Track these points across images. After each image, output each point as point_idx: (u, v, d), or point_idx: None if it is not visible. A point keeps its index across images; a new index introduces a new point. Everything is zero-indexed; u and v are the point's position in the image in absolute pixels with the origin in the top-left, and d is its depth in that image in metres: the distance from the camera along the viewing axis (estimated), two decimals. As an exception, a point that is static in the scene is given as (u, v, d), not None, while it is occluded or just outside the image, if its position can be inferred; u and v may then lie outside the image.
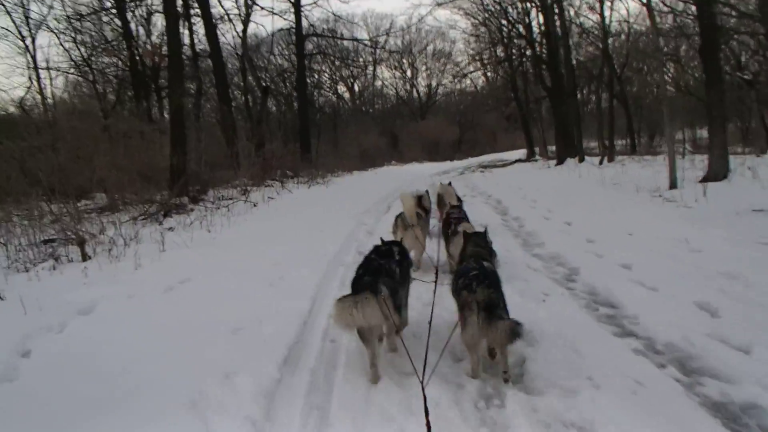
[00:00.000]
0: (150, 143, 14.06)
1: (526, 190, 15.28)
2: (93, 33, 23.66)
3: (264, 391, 3.86)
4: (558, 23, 22.70)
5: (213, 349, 4.49)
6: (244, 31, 20.97)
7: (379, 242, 5.07)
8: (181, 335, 4.81)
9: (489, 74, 55.08)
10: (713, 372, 4.09)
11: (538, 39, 29.16)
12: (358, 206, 12.84)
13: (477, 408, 3.73)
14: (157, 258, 7.76)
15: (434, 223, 9.23)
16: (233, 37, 23.08)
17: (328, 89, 48.71)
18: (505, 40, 34.58)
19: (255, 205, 13.08)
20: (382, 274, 4.25)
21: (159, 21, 27.01)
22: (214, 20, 20.17)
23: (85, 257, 7.82)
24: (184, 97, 15.99)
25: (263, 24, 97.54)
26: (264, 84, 21.16)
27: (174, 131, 13.57)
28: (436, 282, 5.17)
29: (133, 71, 23.52)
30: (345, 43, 43.05)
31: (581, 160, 22.66)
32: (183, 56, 23.14)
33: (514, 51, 35.79)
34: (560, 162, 21.87)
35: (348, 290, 4.28)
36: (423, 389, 3.38)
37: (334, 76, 51.35)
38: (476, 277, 4.18)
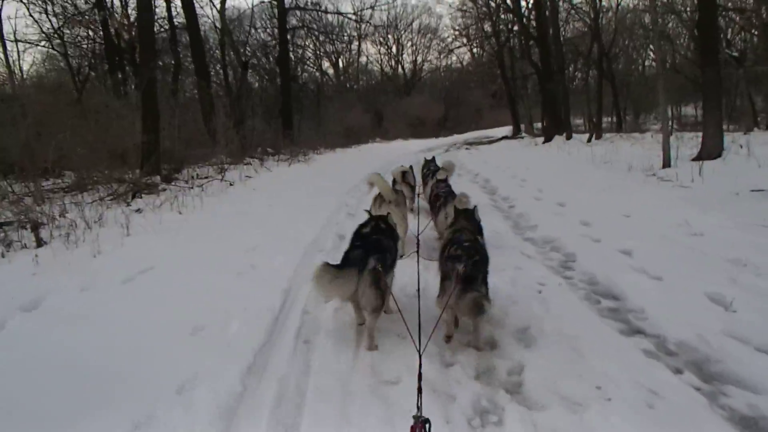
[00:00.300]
0: (121, 119, 13.23)
1: (515, 168, 14.74)
2: (65, 3, 22.51)
3: (223, 409, 3.31)
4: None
5: (168, 355, 3.93)
6: (222, 2, 20.01)
7: (365, 217, 5.11)
8: (133, 337, 4.22)
9: (475, 51, 54.76)
10: (737, 378, 3.61)
11: (526, 13, 28.39)
12: (339, 186, 12.24)
13: (471, 426, 3.21)
14: (120, 244, 7.12)
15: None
16: (212, 10, 22.11)
17: (312, 65, 47.73)
18: (493, 16, 33.83)
19: (231, 185, 12.41)
20: (374, 251, 4.21)
21: (134, -8, 25.95)
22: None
23: (39, 243, 7.14)
24: (156, 71, 15.10)
25: None
26: (244, 59, 20.30)
27: (146, 106, 12.78)
28: (418, 253, 5.29)
29: (107, 43, 22.48)
30: (329, 17, 42.24)
31: (569, 137, 22.17)
32: (159, 28, 22.26)
33: (501, 26, 35.09)
34: (548, 139, 21.36)
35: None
36: (420, 356, 3.32)
37: (318, 52, 50.29)
38: (466, 249, 4.24)
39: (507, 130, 44.46)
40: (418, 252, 5.31)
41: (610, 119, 35.13)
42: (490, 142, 33.91)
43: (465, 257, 4.09)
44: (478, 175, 14.40)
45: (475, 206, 5.52)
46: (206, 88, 18.35)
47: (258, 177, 13.69)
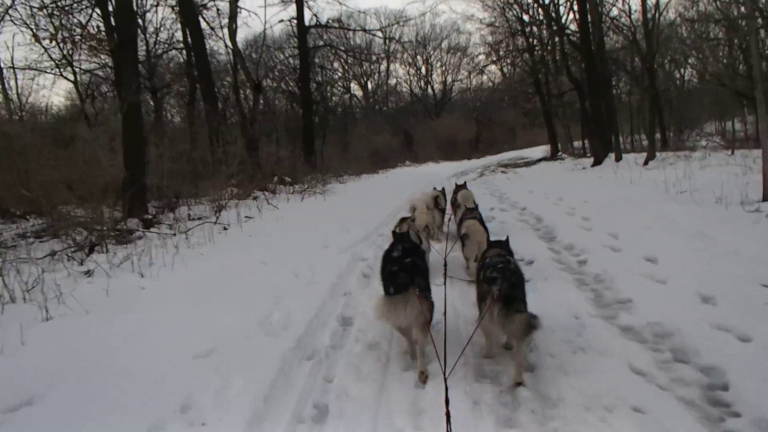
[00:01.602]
0: (93, 150, 11.06)
1: (569, 199, 12.07)
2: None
3: None
4: (588, 6, 19.36)
5: None
6: (231, 18, 17.94)
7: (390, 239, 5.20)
8: None
9: (505, 69, 52.17)
10: None
11: (567, 24, 25.76)
12: (355, 230, 9.77)
13: None
14: (18, 343, 4.75)
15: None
16: (223, 29, 20.16)
17: (341, 87, 45.87)
18: (527, 29, 31.30)
19: (226, 229, 10.10)
20: (417, 272, 4.29)
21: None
22: (196, 6, 17.19)
23: None
24: (140, 94, 12.95)
25: (258, 13, 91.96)
26: (256, 80, 18.24)
27: (127, 135, 10.63)
28: (445, 274, 5.25)
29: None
30: (356, 39, 40.36)
31: (618, 158, 19.40)
32: (167, 48, 20.30)
33: (535, 41, 32.52)
34: (597, 162, 18.61)
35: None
36: (445, 380, 3.27)
37: (347, 75, 48.50)
38: (501, 270, 4.20)
39: (543, 150, 41.59)
40: (445, 276, 5.22)
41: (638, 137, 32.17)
42: (527, 164, 31.19)
43: (500, 279, 4.06)
44: (526, 210, 11.77)
45: (507, 237, 5.36)
46: (213, 114, 16.22)
47: (260, 217, 11.32)
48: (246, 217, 11.05)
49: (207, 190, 13.40)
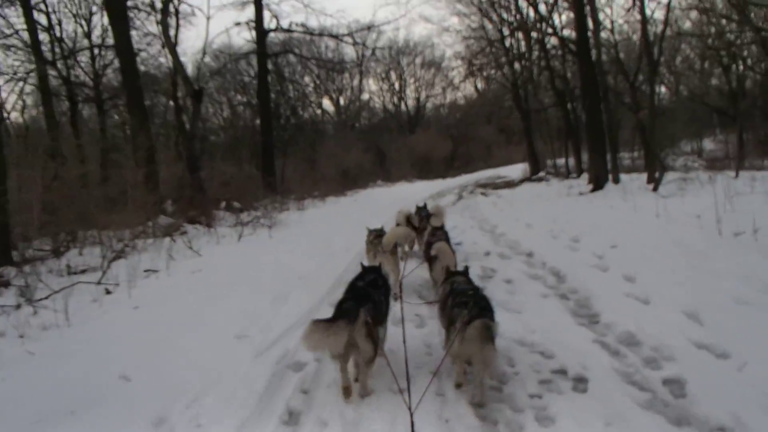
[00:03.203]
0: None
1: (588, 242, 8.93)
2: None
3: None
4: (588, 10, 16.49)
5: None
6: (164, 10, 14.59)
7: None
8: None
9: (481, 84, 49.64)
10: None
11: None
12: (294, 298, 6.57)
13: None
14: None
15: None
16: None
17: (312, 102, 42.66)
18: (508, 40, 28.61)
19: (109, 292, 6.80)
20: (366, 302, 4.12)
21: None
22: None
23: None
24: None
25: (202, 8, 79.13)
26: (197, 87, 14.93)
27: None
28: (401, 298, 5.23)
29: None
30: (329, 53, 37.27)
31: (616, 180, 16.53)
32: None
33: (517, 52, 29.80)
34: (598, 186, 15.64)
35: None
36: (411, 414, 3.22)
37: (318, 90, 45.34)
38: (472, 296, 4.17)
39: (521, 168, 38.81)
40: (401, 300, 5.16)
41: (631, 155, 29.53)
42: (508, 184, 28.30)
43: (472, 303, 4.00)
44: (534, 258, 8.59)
45: (466, 267, 5.34)
46: (139, 127, 12.86)
47: (169, 270, 7.95)
48: (147, 270, 7.70)
49: (119, 222, 10.02)
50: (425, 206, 9.67)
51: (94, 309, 6.14)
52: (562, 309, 5.97)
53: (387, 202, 17.15)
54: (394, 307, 4.95)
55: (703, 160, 28.61)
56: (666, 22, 17.42)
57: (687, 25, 31.28)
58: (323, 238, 10.57)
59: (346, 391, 3.91)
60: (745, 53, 30.32)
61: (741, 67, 32.65)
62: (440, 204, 9.16)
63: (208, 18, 16.75)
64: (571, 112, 25.94)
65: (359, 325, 3.83)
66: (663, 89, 38.85)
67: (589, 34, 16.64)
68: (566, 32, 22.00)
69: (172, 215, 13.75)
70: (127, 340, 5.17)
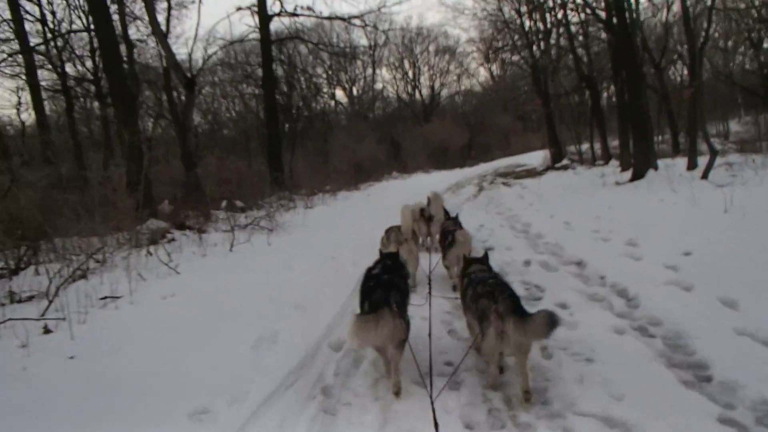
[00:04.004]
0: None
1: (650, 246, 7.15)
2: None
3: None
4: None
5: None
6: (148, -8, 12.98)
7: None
8: None
9: (496, 70, 47.66)
10: None
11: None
12: (284, 338, 4.97)
13: None
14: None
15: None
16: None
17: (325, 93, 41.03)
18: (528, 20, 26.64)
19: (48, 332, 5.19)
20: (392, 289, 4.10)
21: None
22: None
23: None
24: None
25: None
26: (189, 75, 13.31)
27: None
28: (430, 292, 5.13)
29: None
30: (340, 43, 35.52)
31: (654, 167, 14.62)
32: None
33: (536, 34, 27.81)
34: (638, 175, 13.76)
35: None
36: (432, 403, 3.18)
37: (331, 81, 43.66)
38: (497, 285, 4.01)
39: (540, 156, 36.84)
40: (430, 293, 5.11)
41: (658, 138, 27.29)
42: (530, 173, 26.41)
43: (497, 292, 3.85)
44: (585, 267, 6.87)
45: (486, 252, 5.28)
46: (125, 119, 11.24)
47: (137, 293, 6.32)
48: (105, 297, 6.09)
49: (89, 231, 8.44)
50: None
51: (15, 360, 4.55)
52: (648, 354, 4.25)
53: (403, 197, 15.33)
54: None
55: (732, 143, 26.54)
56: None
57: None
58: (329, 247, 8.89)
59: (397, 387, 3.84)
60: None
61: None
62: (435, 192, 9.03)
63: (199, 1, 15.07)
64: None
65: (396, 312, 3.83)
66: (684, 70, 36.76)
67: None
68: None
69: (168, 217, 12.22)
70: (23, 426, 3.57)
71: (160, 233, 9.88)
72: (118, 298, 6.09)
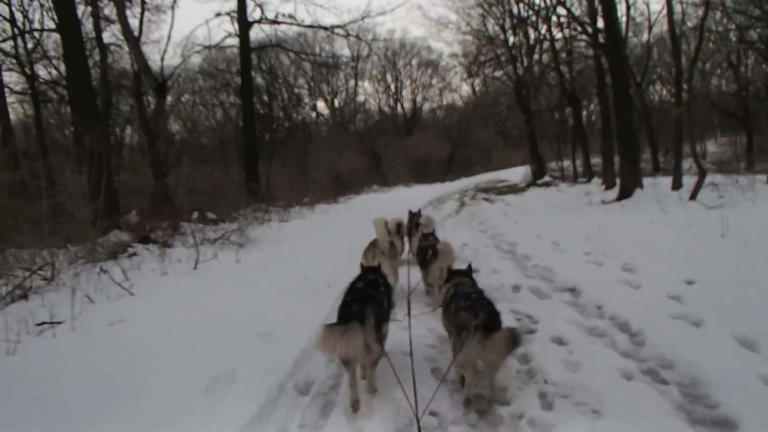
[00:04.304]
0: None
1: (649, 272, 6.59)
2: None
3: None
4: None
5: None
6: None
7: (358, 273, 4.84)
8: None
9: (477, 87, 47.60)
10: None
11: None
12: (243, 382, 4.23)
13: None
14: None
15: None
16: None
17: (306, 104, 40.48)
18: (512, 36, 26.40)
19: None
20: (370, 302, 4.05)
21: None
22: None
23: None
24: None
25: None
26: (160, 80, 12.56)
27: None
28: (409, 311, 5.06)
29: None
30: (321, 49, 35.03)
31: (640, 186, 14.17)
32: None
33: (518, 50, 27.56)
34: (625, 194, 13.32)
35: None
36: (418, 420, 3.17)
37: (313, 92, 43.12)
38: (479, 300, 4.07)
39: (521, 172, 36.58)
40: (409, 313, 5.00)
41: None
42: (512, 190, 26.01)
43: (479, 306, 3.89)
44: (580, 295, 6.27)
45: (470, 265, 5.17)
46: (88, 124, 10.46)
47: (83, 317, 5.51)
48: (43, 323, 5.33)
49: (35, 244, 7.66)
50: (419, 212, 8.89)
51: None
52: (665, 406, 3.64)
53: (383, 211, 14.69)
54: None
55: (710, 163, 26.49)
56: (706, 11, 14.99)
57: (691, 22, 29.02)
58: (302, 265, 8.20)
59: (355, 406, 3.79)
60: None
61: (750, 66, 30.81)
62: (430, 215, 8.63)
63: (173, 5, 14.34)
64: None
65: (369, 326, 3.81)
66: (663, 90, 36.91)
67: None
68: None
69: (135, 229, 11.42)
70: None
71: (120, 247, 9.10)
72: (58, 323, 5.33)
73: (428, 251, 6.55)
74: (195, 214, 13.97)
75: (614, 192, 15.01)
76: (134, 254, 8.90)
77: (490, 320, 3.75)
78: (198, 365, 4.39)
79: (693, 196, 12.22)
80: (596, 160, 24.74)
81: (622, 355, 4.56)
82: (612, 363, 4.35)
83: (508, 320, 5.55)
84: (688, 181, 14.03)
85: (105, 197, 10.60)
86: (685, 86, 14.98)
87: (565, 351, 4.66)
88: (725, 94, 34.28)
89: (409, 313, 4.99)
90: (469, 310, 3.86)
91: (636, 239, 8.57)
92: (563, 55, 23.62)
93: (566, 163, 28.80)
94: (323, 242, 10.28)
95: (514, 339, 3.58)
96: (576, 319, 5.49)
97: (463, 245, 10.28)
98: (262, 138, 25.51)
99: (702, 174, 12.57)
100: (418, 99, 50.87)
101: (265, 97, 31.80)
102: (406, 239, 7.97)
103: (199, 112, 37.16)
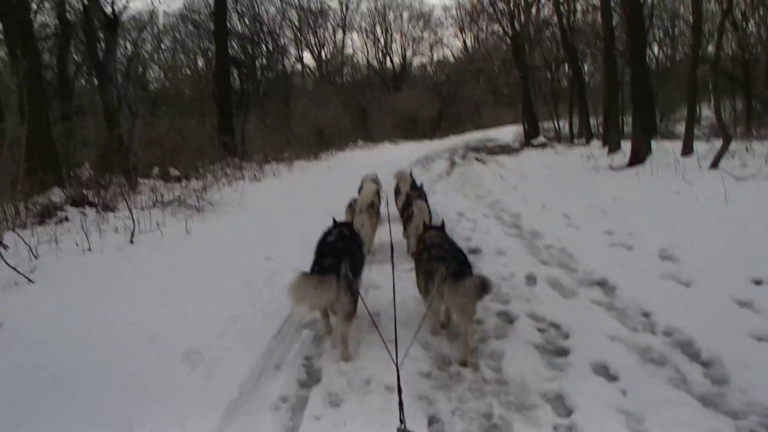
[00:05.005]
0: None
1: (698, 264, 5.13)
2: None
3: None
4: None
5: None
6: None
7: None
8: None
9: (470, 42, 45.45)
10: None
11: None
12: None
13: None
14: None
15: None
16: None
17: (290, 55, 38.14)
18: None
19: None
20: (344, 255, 3.96)
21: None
22: None
23: None
24: None
25: None
26: (110, 12, 10.64)
27: None
28: (392, 260, 4.80)
29: None
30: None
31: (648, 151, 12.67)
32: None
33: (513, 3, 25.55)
34: (638, 159, 11.80)
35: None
36: (397, 368, 2.88)
37: (299, 43, 40.66)
38: (448, 250, 4.05)
39: (512, 131, 35.00)
40: (392, 257, 4.88)
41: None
42: (505, 150, 24.46)
43: (450, 257, 3.89)
44: (615, 292, 4.82)
45: (443, 221, 5.07)
46: (13, 62, 8.66)
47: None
48: None
49: None
50: (411, 174, 8.36)
51: None
52: None
53: (368, 170, 12.89)
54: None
55: (705, 128, 25.05)
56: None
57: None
58: (266, 240, 6.66)
59: (332, 337, 3.94)
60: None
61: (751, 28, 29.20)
62: (404, 170, 8.62)
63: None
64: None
65: (342, 280, 3.69)
66: (659, 52, 35.22)
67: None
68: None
69: (87, 186, 9.75)
70: None
71: (49, 210, 7.47)
72: None
73: (410, 207, 6.54)
74: (155, 170, 12.30)
75: (620, 157, 13.52)
76: (65, 219, 7.27)
77: (459, 270, 3.72)
78: (76, 416, 2.89)
79: (715, 164, 10.76)
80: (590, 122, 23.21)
81: (700, 400, 3.14)
82: (693, 419, 2.92)
83: (528, 330, 4.14)
84: (701, 147, 12.57)
85: (41, 148, 8.94)
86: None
87: (617, 393, 3.22)
88: (725, 57, 32.78)
89: (392, 257, 4.89)
90: (439, 260, 3.84)
91: (664, 216, 7.13)
92: (564, 6, 21.78)
93: (561, 123, 27.28)
94: (296, 208, 8.66)
95: (482, 285, 3.52)
96: (619, 333, 4.04)
97: (459, 215, 8.80)
98: (243, 89, 23.45)
99: (727, 140, 11.07)
100: (408, 53, 48.63)
101: (248, 46, 29.67)
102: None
103: (181, 61, 34.93)
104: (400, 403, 2.52)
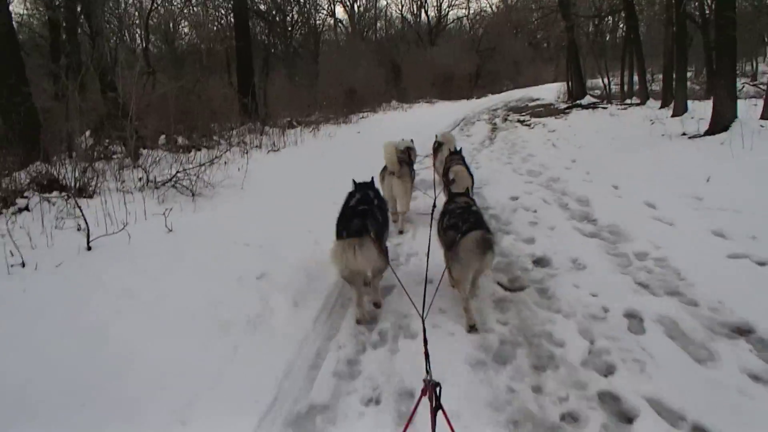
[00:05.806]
0: None
1: None
2: None
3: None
4: None
5: None
6: None
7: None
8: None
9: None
10: None
11: None
12: None
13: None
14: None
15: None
16: None
17: (322, 9, 35.88)
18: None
19: None
20: (369, 217, 3.91)
21: None
22: None
23: None
24: None
25: None
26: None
27: None
28: (432, 214, 4.84)
29: None
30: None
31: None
32: None
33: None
34: (721, 126, 9.61)
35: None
36: (423, 321, 3.00)
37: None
38: (461, 215, 3.96)
39: (554, 89, 32.37)
40: (432, 215, 4.82)
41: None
42: (547, 109, 22.15)
43: (460, 222, 3.83)
44: (765, 345, 3.07)
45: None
46: None
47: None
48: None
49: None
50: (460, 150, 7.12)
51: None
52: None
53: (403, 135, 10.85)
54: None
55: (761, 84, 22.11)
56: None
57: None
58: (267, 241, 5.03)
59: (363, 317, 3.85)
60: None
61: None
62: (448, 132, 8.36)
63: None
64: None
65: (373, 240, 3.69)
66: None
67: None
68: None
69: (85, 158, 8.28)
70: None
71: (10, 195, 5.99)
72: None
73: (450, 172, 5.99)
74: (162, 139, 10.77)
75: (690, 121, 11.34)
76: (25, 209, 5.77)
77: (473, 227, 3.69)
78: None
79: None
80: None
81: None
82: None
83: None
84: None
85: (18, 116, 7.51)
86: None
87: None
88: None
89: (432, 213, 4.83)
90: (451, 228, 3.85)
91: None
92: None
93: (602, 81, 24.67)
94: (312, 195, 6.95)
95: (484, 240, 3.58)
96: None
97: (512, 200, 7.02)
98: (267, 44, 21.58)
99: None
100: (444, 5, 45.61)
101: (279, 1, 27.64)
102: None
103: (206, 16, 33.13)
104: (426, 354, 2.52)
